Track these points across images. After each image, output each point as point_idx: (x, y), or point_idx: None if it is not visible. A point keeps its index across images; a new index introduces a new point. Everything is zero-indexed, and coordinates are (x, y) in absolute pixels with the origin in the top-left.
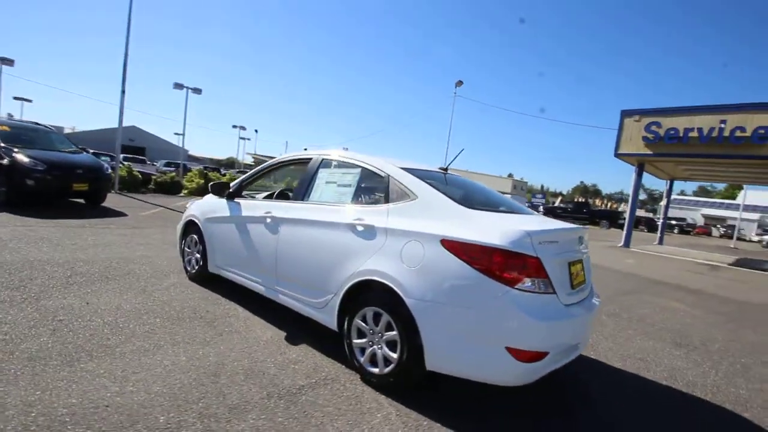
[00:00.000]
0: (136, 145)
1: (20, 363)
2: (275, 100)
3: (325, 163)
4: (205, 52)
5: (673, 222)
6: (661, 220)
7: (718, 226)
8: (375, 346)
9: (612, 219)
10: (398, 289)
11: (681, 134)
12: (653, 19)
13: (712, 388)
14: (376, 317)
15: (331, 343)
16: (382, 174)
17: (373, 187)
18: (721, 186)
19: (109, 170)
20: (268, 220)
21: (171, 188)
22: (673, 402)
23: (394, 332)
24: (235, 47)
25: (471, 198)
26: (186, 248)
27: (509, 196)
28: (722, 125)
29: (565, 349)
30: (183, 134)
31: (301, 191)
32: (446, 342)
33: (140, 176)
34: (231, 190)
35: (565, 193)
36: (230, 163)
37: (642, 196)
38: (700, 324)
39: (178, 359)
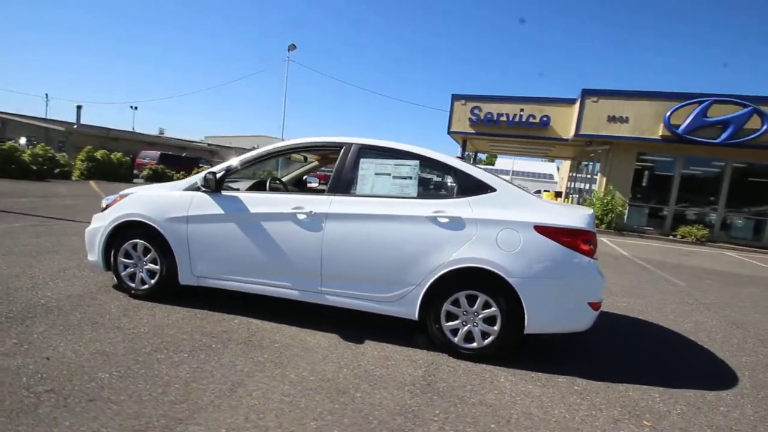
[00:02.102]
0: None
1: None
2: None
3: (364, 153)
4: None
5: None
6: None
7: None
8: (470, 325)
9: None
10: (500, 271)
11: (495, 118)
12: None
13: (641, 312)
14: (471, 299)
15: (388, 332)
16: (448, 167)
17: (439, 179)
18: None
19: None
20: (302, 217)
21: None
22: (651, 325)
23: (494, 309)
24: None
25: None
26: (123, 259)
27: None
28: (522, 113)
29: None
30: None
31: (342, 183)
32: (544, 309)
33: None
34: (217, 181)
35: None
36: None
37: None
38: None
39: (282, 388)
